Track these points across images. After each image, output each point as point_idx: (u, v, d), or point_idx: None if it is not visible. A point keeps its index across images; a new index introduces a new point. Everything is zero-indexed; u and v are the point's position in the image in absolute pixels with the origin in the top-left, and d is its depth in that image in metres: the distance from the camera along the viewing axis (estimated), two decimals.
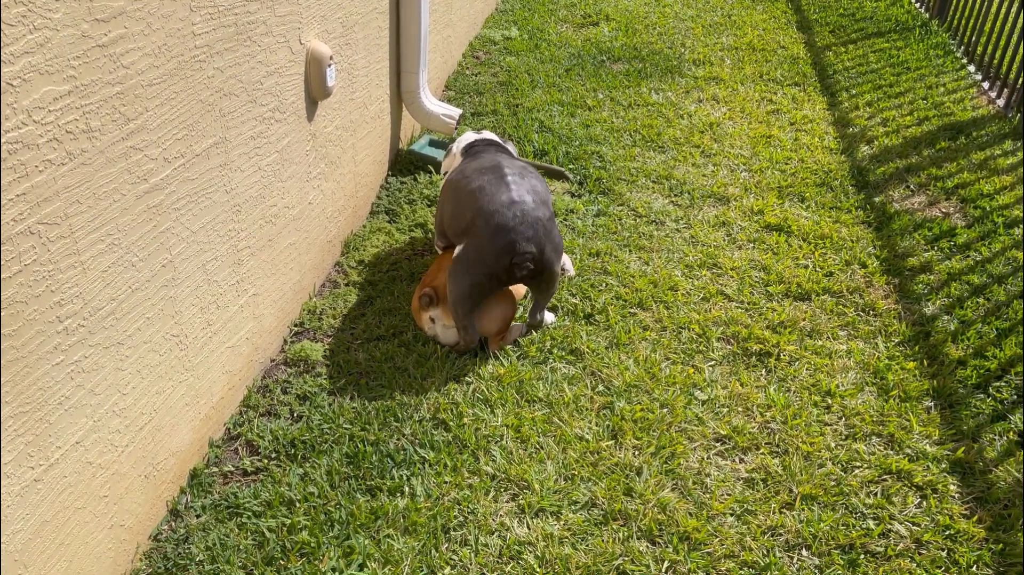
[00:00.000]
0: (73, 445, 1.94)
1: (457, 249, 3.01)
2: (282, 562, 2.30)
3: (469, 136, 3.56)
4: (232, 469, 2.60)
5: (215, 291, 2.50)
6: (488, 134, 3.58)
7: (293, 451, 2.66)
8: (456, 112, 4.33)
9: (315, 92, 3.03)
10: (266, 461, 2.63)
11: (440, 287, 3.08)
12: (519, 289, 3.29)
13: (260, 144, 2.67)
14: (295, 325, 3.18)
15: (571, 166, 4.39)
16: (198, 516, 2.43)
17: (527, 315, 3.22)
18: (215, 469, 2.59)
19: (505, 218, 2.92)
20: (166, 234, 2.19)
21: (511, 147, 3.59)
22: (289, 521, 2.41)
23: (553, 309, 3.31)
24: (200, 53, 2.22)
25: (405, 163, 4.31)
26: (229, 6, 2.34)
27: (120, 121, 1.92)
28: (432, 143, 4.51)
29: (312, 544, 2.34)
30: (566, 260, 3.52)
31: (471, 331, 3.02)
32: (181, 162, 2.21)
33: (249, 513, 2.44)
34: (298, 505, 2.47)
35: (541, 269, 2.98)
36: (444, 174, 3.59)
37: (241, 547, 2.34)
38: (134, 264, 2.06)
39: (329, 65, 3.02)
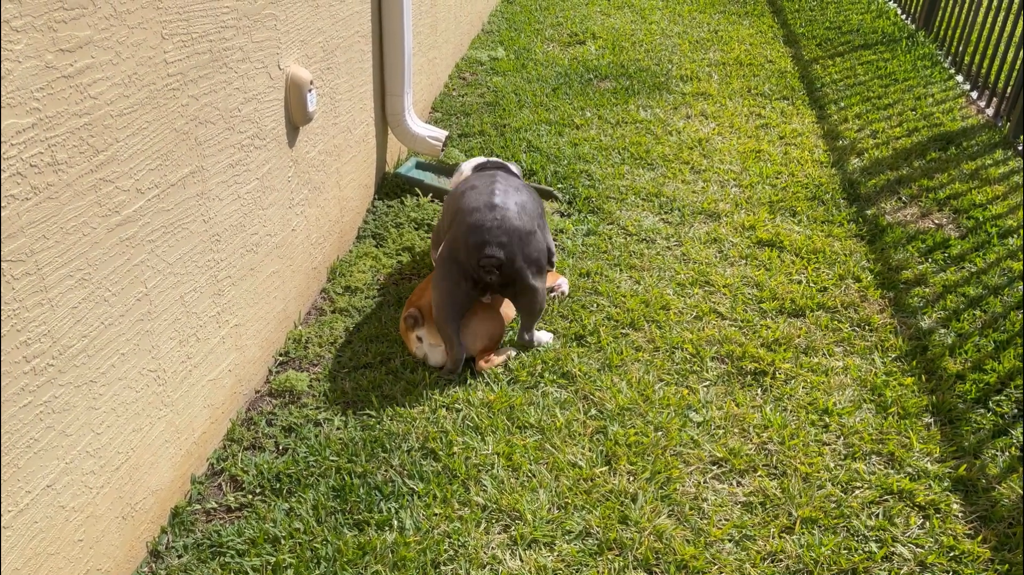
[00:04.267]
0: (44, 489, 1.87)
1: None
2: None
3: (479, 159, 3.57)
4: (215, 506, 2.53)
5: (194, 323, 2.44)
6: (507, 164, 3.57)
7: (278, 485, 2.58)
8: (443, 134, 4.29)
9: (296, 118, 2.98)
10: (250, 496, 2.55)
11: (425, 306, 3.03)
12: (508, 311, 3.23)
13: (239, 172, 2.61)
14: (280, 355, 3.11)
15: (560, 185, 4.35)
16: (180, 557, 2.36)
17: (516, 336, 3.16)
18: (197, 506, 2.52)
19: (483, 217, 2.91)
20: (140, 267, 2.13)
21: (514, 167, 3.56)
22: (274, 559, 2.33)
23: (543, 329, 3.25)
24: (173, 81, 2.17)
25: (392, 186, 4.26)
26: (203, 33, 2.29)
27: (88, 153, 1.87)
28: (419, 166, 4.46)
29: None
30: (562, 281, 3.48)
31: (455, 346, 2.96)
32: (155, 193, 2.15)
33: (233, 552, 2.36)
34: (283, 542, 2.39)
35: (512, 279, 2.92)
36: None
37: None
38: (106, 299, 2.00)
39: (310, 90, 2.98)
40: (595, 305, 3.42)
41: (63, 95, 1.77)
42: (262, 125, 2.74)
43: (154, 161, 2.13)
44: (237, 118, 2.56)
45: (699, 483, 2.60)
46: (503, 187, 3.05)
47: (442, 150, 4.30)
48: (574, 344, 3.21)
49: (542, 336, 3.17)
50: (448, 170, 4.41)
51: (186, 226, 2.33)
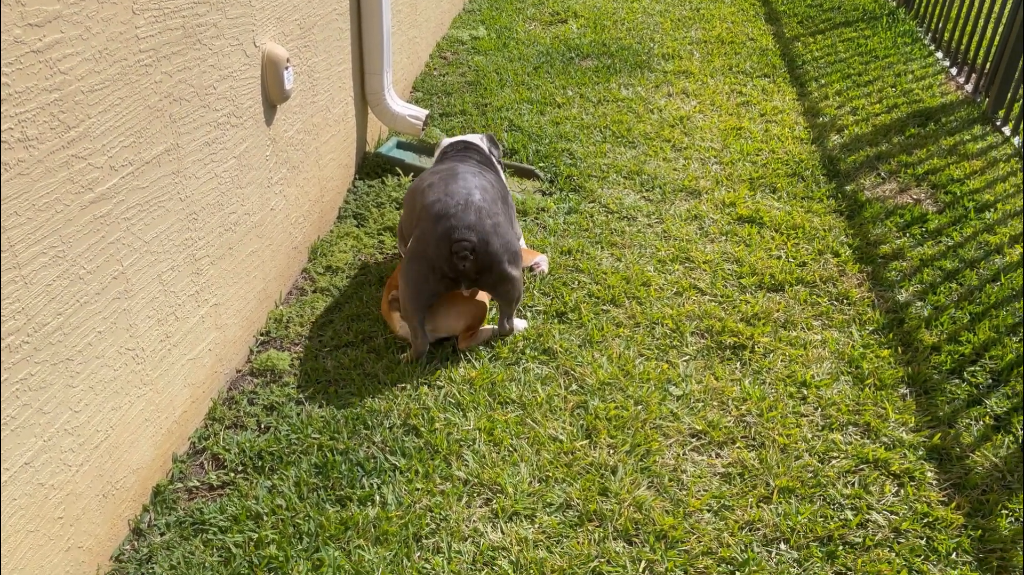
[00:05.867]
0: (22, 466, 1.86)
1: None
2: None
3: (447, 141, 3.50)
4: (197, 484, 2.53)
5: (173, 302, 2.44)
6: (473, 137, 3.50)
7: (260, 463, 2.59)
8: (423, 113, 4.28)
9: (273, 96, 2.96)
10: (232, 474, 2.56)
11: None
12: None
13: (216, 150, 2.60)
14: (261, 334, 3.11)
15: (541, 164, 4.35)
16: (162, 534, 2.36)
17: (497, 325, 3.16)
18: (179, 485, 2.52)
19: (446, 206, 2.87)
20: (116, 244, 2.12)
21: (484, 144, 3.49)
22: (256, 535, 2.35)
23: (523, 315, 3.26)
24: (145, 57, 2.15)
25: (372, 166, 4.25)
26: (176, 8, 2.27)
27: (60, 129, 1.85)
28: (400, 145, 4.45)
29: (280, 558, 2.28)
30: (542, 258, 3.49)
31: (420, 337, 2.95)
32: (129, 170, 2.14)
33: (215, 529, 2.37)
34: (266, 519, 2.40)
35: (487, 264, 2.87)
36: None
37: (207, 564, 2.27)
38: (82, 277, 1.99)
39: (286, 68, 2.96)
40: (576, 282, 3.43)
41: (32, 70, 1.75)
42: (238, 103, 2.73)
43: (128, 138, 2.11)
44: (212, 96, 2.54)
45: (678, 455, 2.63)
46: (464, 174, 3.01)
47: (423, 129, 4.29)
48: (555, 321, 3.22)
49: (519, 323, 3.16)
50: (429, 150, 4.40)
51: (162, 204, 2.32)
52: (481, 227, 2.85)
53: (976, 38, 5.19)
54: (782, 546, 2.35)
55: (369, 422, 2.73)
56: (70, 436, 2.02)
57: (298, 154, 3.30)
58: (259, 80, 2.86)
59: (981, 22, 5.17)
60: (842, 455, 2.63)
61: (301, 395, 2.85)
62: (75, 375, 2.01)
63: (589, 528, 2.38)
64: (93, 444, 2.12)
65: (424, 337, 2.96)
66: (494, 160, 3.46)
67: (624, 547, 2.33)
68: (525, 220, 3.85)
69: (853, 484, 2.53)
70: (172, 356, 2.47)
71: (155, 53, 2.20)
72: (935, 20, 5.94)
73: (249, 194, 2.87)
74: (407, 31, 4.92)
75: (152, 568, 2.26)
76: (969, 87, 5.15)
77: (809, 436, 2.70)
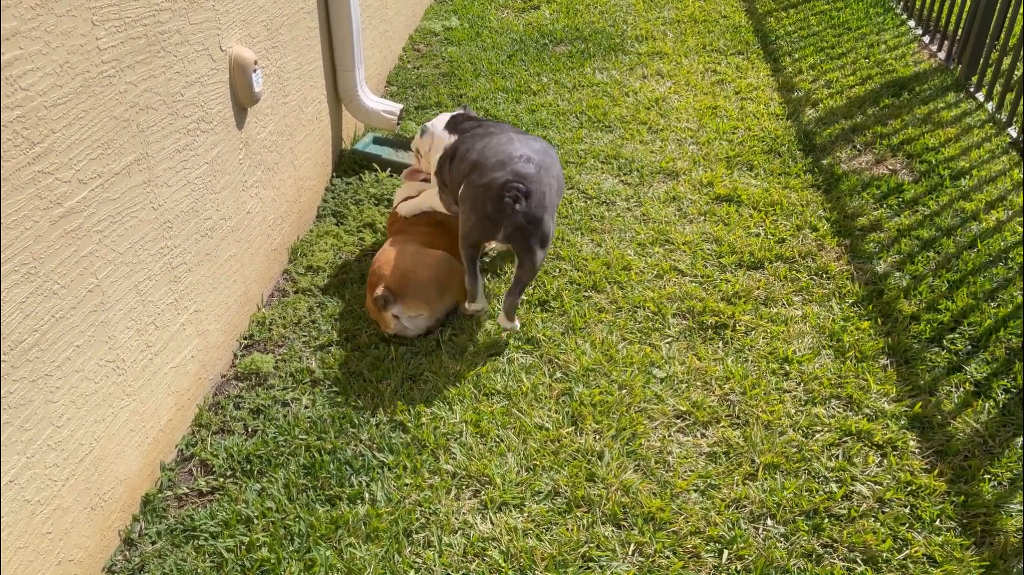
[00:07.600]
0: (7, 484, 1.87)
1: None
2: None
3: (445, 117, 3.41)
4: (187, 491, 2.54)
5: (151, 311, 2.43)
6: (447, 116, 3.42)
7: (249, 467, 2.60)
8: (397, 107, 4.27)
9: (242, 99, 2.95)
10: (221, 479, 2.57)
11: (393, 284, 3.01)
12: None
13: (187, 157, 2.59)
14: (244, 338, 3.11)
15: None
16: (153, 543, 2.37)
17: (504, 296, 3.06)
18: (169, 493, 2.53)
19: (508, 153, 2.93)
20: (89, 258, 2.11)
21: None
22: (247, 539, 2.36)
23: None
24: (108, 68, 2.14)
25: (349, 163, 4.24)
26: (137, 17, 2.26)
27: (24, 145, 1.84)
28: (376, 140, 4.44)
29: (272, 560, 2.29)
30: None
31: (473, 279, 3.03)
32: (99, 182, 2.13)
33: (206, 535, 2.39)
34: (256, 522, 2.41)
35: (531, 218, 2.87)
36: (416, 154, 3.49)
37: (199, 570, 2.28)
38: (55, 292, 1.99)
39: (255, 70, 2.95)
40: (557, 270, 3.44)
41: None
42: (208, 108, 2.72)
43: (95, 150, 2.10)
44: (180, 103, 2.53)
45: (664, 437, 2.65)
46: (520, 135, 3.08)
47: (398, 124, 4.28)
48: (538, 309, 3.23)
49: (516, 324, 3.06)
50: (406, 144, 4.39)
51: (135, 214, 2.31)
52: (538, 180, 2.89)
53: (947, 5, 5.20)
54: (769, 522, 2.37)
55: (356, 420, 2.74)
56: (54, 451, 2.02)
57: (272, 156, 3.29)
58: (228, 84, 2.85)
59: None
60: (825, 428, 2.65)
61: (287, 396, 2.86)
62: (55, 390, 2.01)
63: (578, 514, 2.40)
64: (78, 458, 2.12)
65: (475, 278, 3.04)
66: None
67: (613, 531, 2.35)
68: None
69: (837, 457, 2.56)
70: (154, 365, 2.47)
71: (118, 63, 2.18)
72: None
73: (224, 199, 2.86)
74: (378, 25, 4.89)
75: None
76: (942, 55, 5.17)
77: (792, 411, 2.72)
